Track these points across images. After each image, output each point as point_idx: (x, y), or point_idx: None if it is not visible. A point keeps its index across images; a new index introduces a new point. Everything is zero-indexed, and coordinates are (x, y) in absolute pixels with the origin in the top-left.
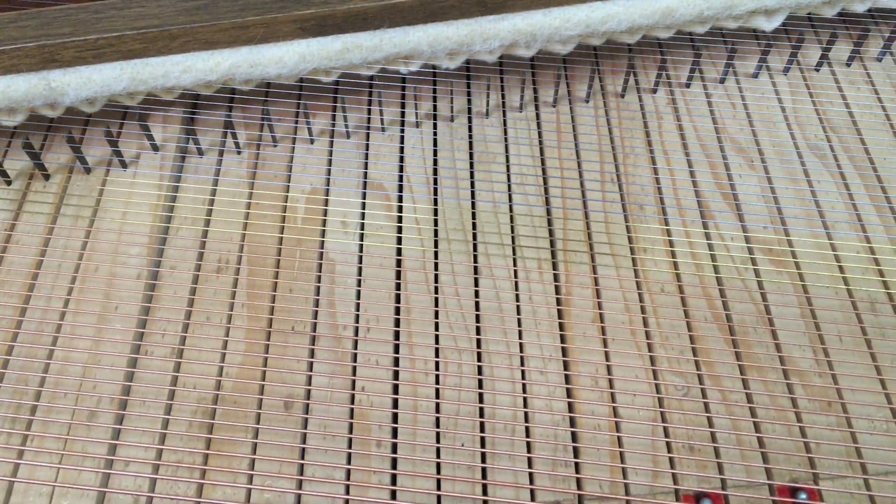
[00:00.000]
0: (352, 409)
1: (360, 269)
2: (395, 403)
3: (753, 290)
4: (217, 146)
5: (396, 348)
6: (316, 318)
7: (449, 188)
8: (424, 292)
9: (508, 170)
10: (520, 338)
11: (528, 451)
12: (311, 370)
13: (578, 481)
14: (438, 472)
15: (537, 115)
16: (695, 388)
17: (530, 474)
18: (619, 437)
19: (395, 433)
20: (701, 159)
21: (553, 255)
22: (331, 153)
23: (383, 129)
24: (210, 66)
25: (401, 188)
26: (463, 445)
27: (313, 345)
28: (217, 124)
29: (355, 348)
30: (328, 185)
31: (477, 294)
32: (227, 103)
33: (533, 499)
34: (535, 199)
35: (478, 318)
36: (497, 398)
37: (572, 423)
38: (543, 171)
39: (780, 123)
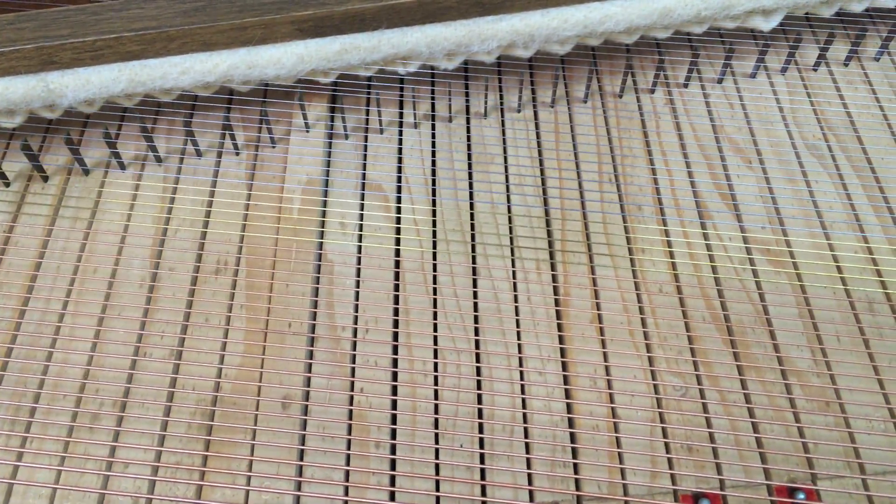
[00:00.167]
0: (350, 410)
1: (358, 270)
2: (394, 404)
3: (751, 291)
4: (215, 147)
5: (395, 349)
6: (314, 319)
7: (447, 189)
8: (423, 293)
9: (507, 170)
10: (518, 338)
11: (527, 452)
12: (309, 371)
13: (577, 482)
14: (437, 472)
15: (535, 116)
16: (693, 389)
17: (529, 475)
18: (617, 438)
19: (393, 434)
20: (699, 160)
21: (551, 255)
22: (329, 154)
23: (381, 130)
24: (208, 68)
25: (399, 189)
26: (461, 446)
27: (312, 346)
28: (215, 125)
29: (354, 349)
30: (326, 185)
31: (475, 295)
32: (226, 104)
33: (531, 499)
34: (534, 200)
35: (476, 319)
36: (495, 399)
37: (571, 423)
38: (542, 171)
39: (777, 123)
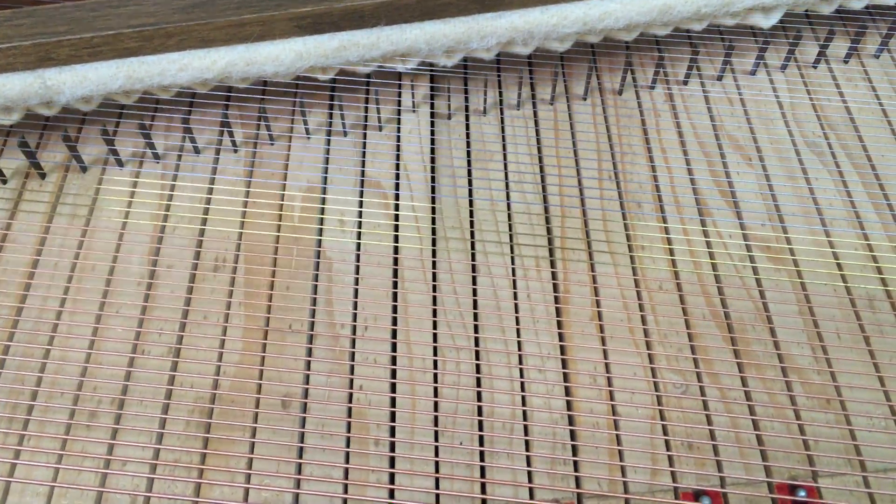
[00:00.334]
0: (350, 408)
1: (357, 268)
2: (394, 402)
3: (752, 288)
4: (214, 144)
5: (394, 347)
6: (313, 317)
7: (447, 186)
8: (422, 290)
9: (506, 167)
10: (518, 336)
11: (527, 450)
12: (308, 369)
13: (577, 479)
14: (437, 470)
15: (535, 113)
16: (693, 386)
17: (529, 473)
18: (617, 436)
19: (393, 432)
20: (699, 157)
21: (551, 252)
22: (328, 151)
23: (380, 128)
24: (206, 65)
25: (398, 186)
26: (461, 444)
27: (311, 343)
28: (214, 122)
29: (353, 347)
30: (325, 183)
31: (475, 292)
32: (224, 101)
33: (532, 497)
34: (533, 197)
35: (476, 317)
36: (495, 396)
37: (571, 421)
38: (541, 168)
39: (777, 121)
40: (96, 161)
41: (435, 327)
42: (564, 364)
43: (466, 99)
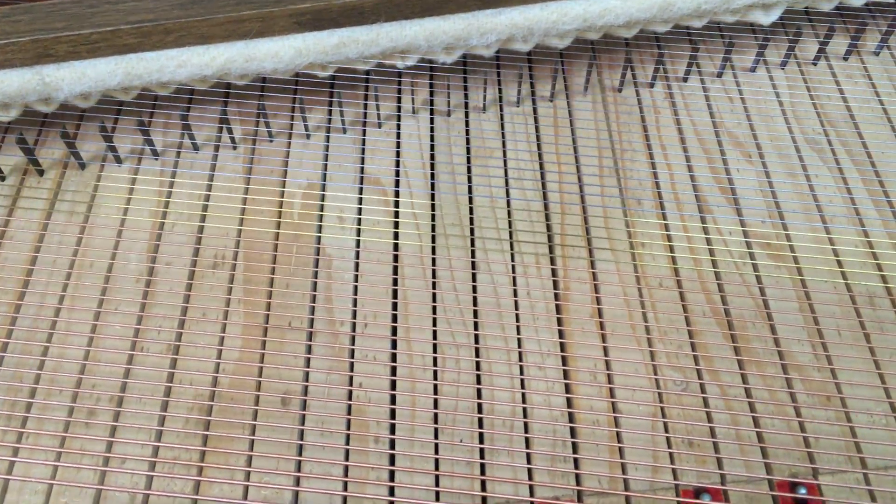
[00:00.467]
0: (349, 406)
1: (357, 265)
2: (393, 399)
3: (752, 285)
4: (212, 141)
5: (394, 344)
6: (313, 314)
7: (446, 183)
8: (422, 287)
9: (506, 165)
10: (518, 333)
11: (527, 447)
12: (308, 366)
13: (577, 477)
14: (437, 468)
15: (534, 110)
16: (694, 383)
17: (529, 470)
18: (618, 433)
19: (392, 429)
20: (699, 154)
21: (551, 249)
22: (327, 148)
23: (380, 125)
24: (205, 61)
25: (398, 183)
26: (461, 441)
27: (310, 340)
28: (213, 119)
29: (353, 344)
30: (325, 180)
31: (475, 289)
32: (223, 98)
33: (532, 495)
34: (533, 194)
35: (476, 314)
36: (495, 394)
37: (571, 418)
38: (541, 165)
39: (777, 118)
40: (95, 158)
41: (435, 324)
42: (564, 361)
43: (466, 96)
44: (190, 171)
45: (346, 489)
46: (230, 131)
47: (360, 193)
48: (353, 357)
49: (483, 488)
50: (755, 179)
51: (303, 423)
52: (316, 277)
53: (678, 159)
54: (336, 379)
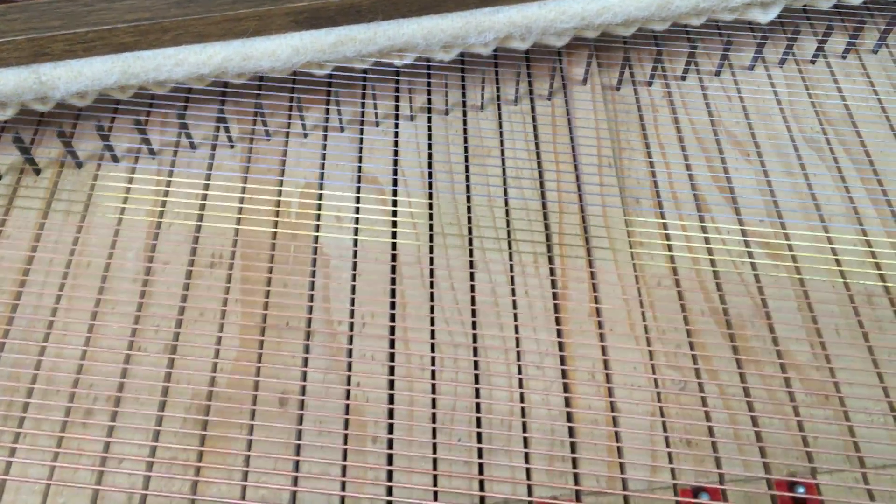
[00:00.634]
0: (347, 405)
1: (354, 264)
2: (391, 399)
3: (750, 284)
4: (210, 140)
5: (392, 343)
6: (310, 314)
7: (444, 182)
8: (420, 287)
9: (504, 163)
10: (516, 332)
11: (525, 447)
12: (305, 366)
13: (576, 476)
14: (435, 467)
15: (532, 109)
16: (692, 382)
17: (527, 469)
18: (616, 432)
19: (390, 429)
20: (697, 152)
21: (549, 248)
22: (325, 147)
23: (377, 123)
24: (202, 60)
25: (395, 182)
26: (459, 441)
27: (308, 340)
28: (210, 118)
29: (350, 343)
30: (322, 179)
31: (473, 288)
32: (220, 97)
33: (530, 494)
34: (531, 193)
35: (473, 313)
36: (493, 393)
37: (569, 417)
38: (539, 164)
39: (776, 116)
40: (91, 157)
41: (432, 324)
42: (563, 361)
43: (464, 94)
44: (187, 171)
45: (343, 489)
46: (227, 130)
47: (358, 192)
48: (350, 357)
49: (481, 488)
50: (753, 178)
51: (300, 423)
52: (313, 277)
53: (676, 158)
54: (334, 379)
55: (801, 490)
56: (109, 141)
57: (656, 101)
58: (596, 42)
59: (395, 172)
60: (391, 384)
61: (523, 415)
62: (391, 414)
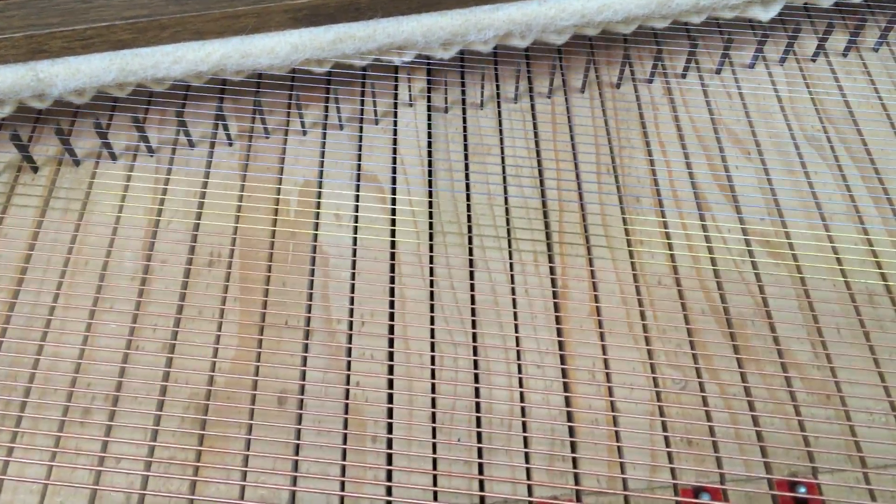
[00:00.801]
0: (346, 405)
1: (354, 263)
2: (391, 398)
3: (751, 283)
4: (208, 138)
5: (391, 342)
6: (310, 312)
7: (443, 180)
8: (419, 286)
9: (503, 162)
10: (516, 331)
11: (525, 446)
12: (304, 365)
13: (576, 476)
14: (434, 467)
15: (532, 107)
16: (693, 382)
17: (527, 469)
18: (616, 432)
19: (390, 428)
20: (697, 151)
21: (549, 247)
22: (324, 145)
23: (377, 121)
24: (201, 57)
25: (395, 180)
26: (459, 440)
27: (307, 339)
28: (208, 116)
29: (350, 342)
30: (321, 177)
31: (472, 287)
32: (219, 94)
33: (530, 494)
34: (531, 192)
35: (473, 312)
36: (493, 392)
37: (569, 417)
38: (539, 162)
39: (776, 114)
40: (89, 154)
41: (432, 323)
42: (563, 360)
43: (463, 92)
44: (185, 168)
45: (343, 489)
46: (226, 128)
47: (357, 191)
48: (350, 356)
49: (481, 488)
50: (754, 176)
51: (300, 423)
52: (313, 275)
53: (677, 156)
54: (333, 378)
55: (803, 490)
56: (107, 138)
57: (656, 99)
58: (596, 40)
59: (395, 170)
60: (391, 383)
61: (523, 414)
62: (391, 413)
